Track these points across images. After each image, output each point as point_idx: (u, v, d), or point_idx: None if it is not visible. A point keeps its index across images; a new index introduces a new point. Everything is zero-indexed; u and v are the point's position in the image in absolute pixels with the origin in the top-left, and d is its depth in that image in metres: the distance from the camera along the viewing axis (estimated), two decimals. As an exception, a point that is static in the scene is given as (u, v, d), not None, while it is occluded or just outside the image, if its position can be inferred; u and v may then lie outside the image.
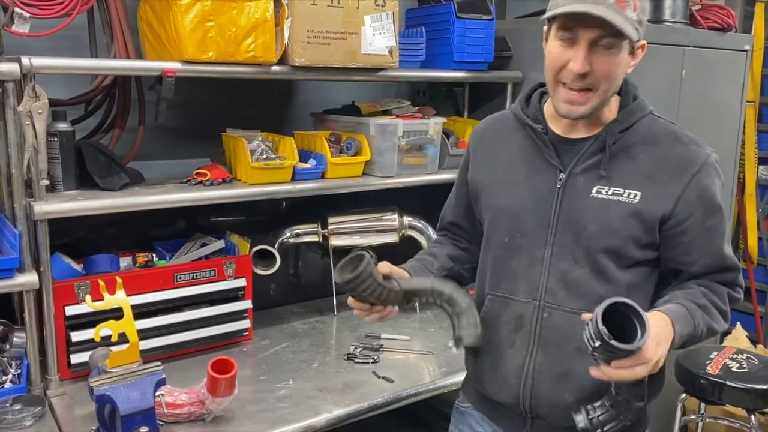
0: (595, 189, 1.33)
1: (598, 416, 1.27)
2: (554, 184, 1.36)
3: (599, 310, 1.11)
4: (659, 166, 1.32)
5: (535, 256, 1.38)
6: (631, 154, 1.33)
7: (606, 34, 1.23)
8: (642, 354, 1.14)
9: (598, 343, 1.11)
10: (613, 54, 1.25)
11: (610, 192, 1.32)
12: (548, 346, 1.37)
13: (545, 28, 1.34)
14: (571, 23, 1.24)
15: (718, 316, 1.34)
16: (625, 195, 1.31)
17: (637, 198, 1.30)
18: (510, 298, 1.41)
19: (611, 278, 1.34)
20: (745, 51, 2.99)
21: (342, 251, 2.55)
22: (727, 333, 3.51)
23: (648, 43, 2.60)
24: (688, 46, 2.73)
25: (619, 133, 1.34)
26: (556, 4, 1.26)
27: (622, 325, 1.13)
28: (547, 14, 1.27)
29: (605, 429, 1.27)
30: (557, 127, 1.40)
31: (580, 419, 1.29)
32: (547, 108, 1.42)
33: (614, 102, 1.37)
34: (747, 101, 3.17)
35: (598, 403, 1.29)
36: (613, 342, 1.09)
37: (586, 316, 1.17)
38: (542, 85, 1.44)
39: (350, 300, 1.39)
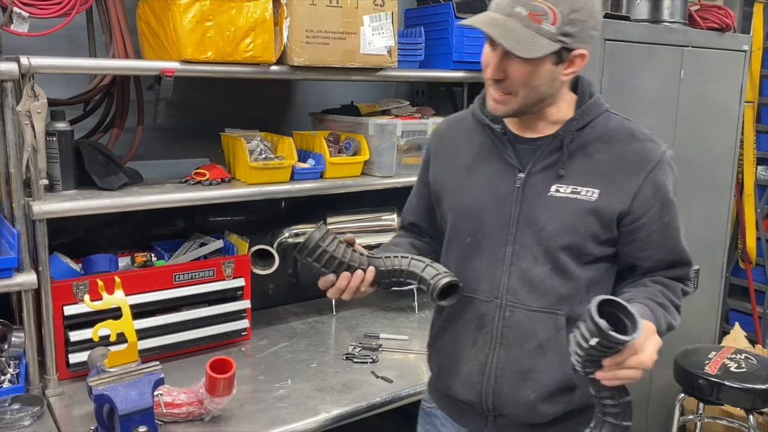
0: (553, 188, 1.34)
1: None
2: (513, 183, 1.37)
3: (592, 306, 1.10)
4: (616, 164, 1.33)
5: (497, 256, 1.39)
6: (589, 152, 1.34)
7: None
8: (638, 346, 1.13)
9: (594, 341, 1.10)
10: (527, 64, 1.24)
11: (568, 190, 1.33)
12: (510, 344, 1.38)
13: None
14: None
15: (675, 313, 1.37)
16: (584, 193, 1.32)
17: (595, 195, 1.32)
18: (473, 297, 1.42)
19: (571, 276, 1.35)
20: (744, 51, 3.00)
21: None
22: (725, 333, 3.51)
23: (647, 43, 2.63)
24: (687, 47, 2.73)
25: (576, 131, 1.35)
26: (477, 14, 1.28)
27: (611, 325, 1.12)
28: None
29: None
30: (515, 127, 1.40)
31: None
32: None
33: (571, 100, 1.38)
34: (745, 102, 3.18)
35: (592, 424, 1.28)
36: (613, 333, 1.07)
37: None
38: None
39: (320, 281, 1.38)
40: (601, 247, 1.35)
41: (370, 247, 2.51)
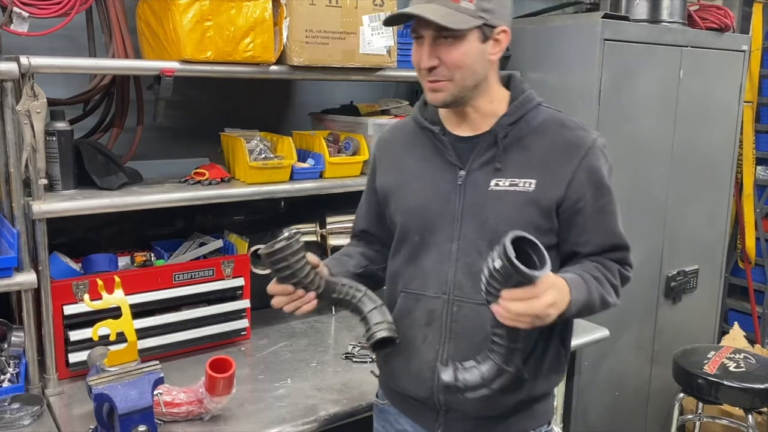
0: (493, 182, 1.38)
1: (465, 377, 1.29)
2: (455, 181, 1.41)
3: (508, 236, 1.14)
4: (550, 153, 1.37)
5: (444, 252, 1.42)
6: (523, 144, 1.39)
7: (440, 30, 1.28)
8: (539, 286, 1.17)
9: (499, 263, 1.13)
10: (456, 46, 1.30)
11: (507, 183, 1.37)
12: (459, 338, 1.40)
13: None
14: (415, 25, 1.32)
15: (611, 289, 1.40)
16: (522, 184, 1.36)
17: (533, 186, 1.36)
18: (421, 294, 1.44)
19: None
20: (743, 51, 3.00)
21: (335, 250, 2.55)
22: (724, 332, 3.52)
23: (646, 43, 2.63)
24: (686, 47, 2.73)
25: (510, 125, 1.39)
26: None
27: (523, 262, 1.16)
28: (384, 19, 1.36)
29: (470, 389, 1.28)
30: (453, 128, 1.45)
31: (448, 375, 1.30)
32: (442, 110, 1.47)
33: (504, 97, 1.42)
34: (744, 102, 3.18)
35: (469, 363, 1.31)
36: (517, 263, 1.11)
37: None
38: None
39: (271, 285, 1.38)
40: (544, 236, 1.35)
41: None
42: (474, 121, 1.42)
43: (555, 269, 1.41)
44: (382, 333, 1.41)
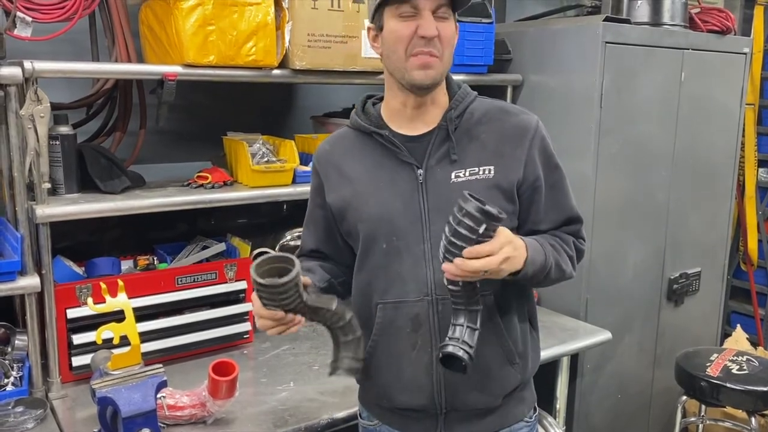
0: (453, 174, 1.39)
1: (465, 340, 1.27)
2: (415, 180, 1.40)
3: (465, 192, 1.18)
4: (501, 140, 1.40)
5: (416, 254, 1.40)
6: (473, 135, 1.41)
7: (443, 3, 1.32)
8: (497, 241, 1.20)
9: (464, 212, 1.16)
10: (449, 22, 1.34)
11: (467, 173, 1.39)
12: None
13: (370, 24, 1.40)
14: None
15: (566, 258, 1.43)
16: (482, 172, 1.39)
17: (492, 172, 1.38)
18: (401, 302, 1.41)
19: None
20: (745, 54, 3.01)
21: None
22: (727, 335, 3.51)
23: (647, 45, 2.63)
24: (688, 49, 2.74)
25: (457, 118, 1.41)
26: None
27: None
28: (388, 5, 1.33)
29: (473, 346, 1.28)
30: (400, 129, 1.43)
31: (457, 350, 1.27)
32: (385, 113, 1.46)
33: (446, 92, 1.45)
34: (746, 104, 3.18)
35: (453, 333, 1.29)
36: (488, 208, 1.16)
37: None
38: (370, 96, 1.51)
39: (259, 309, 1.30)
40: (508, 220, 1.37)
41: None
42: (424, 117, 1.42)
43: None
44: (344, 371, 1.40)
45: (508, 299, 1.43)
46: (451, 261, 1.20)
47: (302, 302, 1.28)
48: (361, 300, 1.49)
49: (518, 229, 1.43)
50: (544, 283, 1.42)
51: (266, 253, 2.26)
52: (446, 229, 1.21)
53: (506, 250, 1.22)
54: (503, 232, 1.23)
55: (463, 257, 1.19)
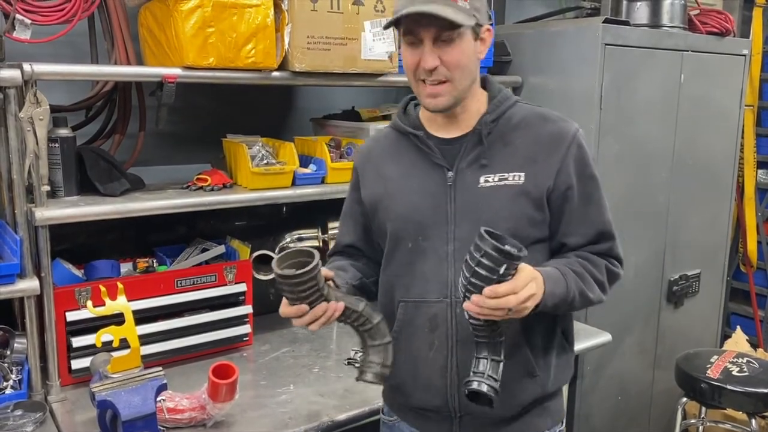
0: (482, 179, 1.39)
1: (490, 374, 1.27)
2: (445, 183, 1.41)
3: (481, 231, 1.16)
4: (535, 147, 1.39)
5: (441, 255, 1.41)
6: (508, 140, 1.40)
7: (443, 29, 1.29)
8: (519, 280, 1.19)
9: (482, 252, 1.15)
10: (456, 45, 1.31)
11: (496, 179, 1.38)
12: (466, 341, 1.37)
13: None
14: (411, 26, 1.32)
15: (594, 285, 1.39)
16: (511, 178, 1.37)
17: (522, 178, 1.37)
18: (422, 301, 1.43)
19: None
20: (744, 55, 3.01)
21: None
22: (727, 336, 3.51)
23: (647, 47, 2.64)
24: (687, 51, 2.74)
25: (492, 123, 1.40)
26: (395, 11, 1.33)
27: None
28: (385, 24, 1.36)
29: (498, 379, 1.27)
30: (436, 131, 1.45)
31: (482, 386, 1.26)
32: (423, 115, 1.48)
33: (483, 97, 1.44)
34: (746, 105, 3.19)
35: (477, 367, 1.28)
36: (507, 248, 1.14)
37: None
38: (413, 98, 1.51)
39: (282, 305, 1.33)
40: (537, 229, 1.39)
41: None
42: (458, 122, 1.42)
43: (543, 262, 1.41)
44: (370, 378, 1.37)
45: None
46: (469, 295, 1.20)
47: (322, 296, 1.28)
48: (385, 297, 1.52)
49: (548, 240, 1.42)
50: (568, 311, 1.41)
51: (266, 255, 2.27)
52: (465, 267, 1.20)
53: (530, 288, 1.21)
54: (525, 270, 1.21)
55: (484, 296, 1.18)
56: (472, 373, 1.28)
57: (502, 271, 1.16)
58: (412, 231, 1.44)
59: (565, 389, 1.60)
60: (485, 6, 1.37)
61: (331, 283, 1.38)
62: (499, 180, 1.38)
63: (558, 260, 1.40)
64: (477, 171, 1.39)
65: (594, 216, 1.42)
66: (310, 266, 1.22)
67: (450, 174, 1.41)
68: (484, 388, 1.25)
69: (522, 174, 1.37)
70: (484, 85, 1.47)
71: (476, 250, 1.17)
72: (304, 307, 1.29)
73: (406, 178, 1.47)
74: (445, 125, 1.44)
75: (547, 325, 1.43)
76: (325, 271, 1.35)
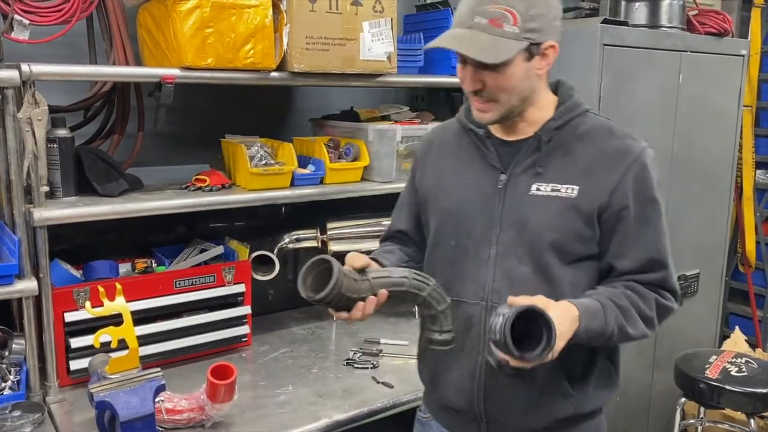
0: (534, 187, 1.36)
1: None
2: (496, 185, 1.40)
3: (512, 312, 1.15)
4: (595, 160, 1.35)
5: (482, 257, 1.40)
6: (568, 150, 1.36)
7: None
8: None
9: (498, 336, 1.15)
10: (501, 71, 1.28)
11: (549, 189, 1.35)
12: None
13: None
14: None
15: (637, 321, 1.34)
16: (564, 190, 1.34)
17: (575, 192, 1.33)
18: (459, 301, 1.42)
19: (553, 276, 1.35)
20: (742, 56, 3.01)
21: (341, 256, 2.55)
22: (725, 337, 3.51)
23: (645, 48, 2.63)
24: (685, 51, 2.74)
25: (555, 130, 1.37)
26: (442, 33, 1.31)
27: (531, 323, 1.17)
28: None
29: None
30: (498, 131, 1.43)
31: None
32: None
33: (551, 102, 1.40)
34: (744, 105, 3.19)
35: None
36: (512, 349, 1.14)
37: (513, 300, 1.20)
38: None
39: (333, 312, 1.33)
40: (585, 245, 1.35)
41: (368, 253, 2.54)
42: (520, 126, 1.40)
43: (592, 281, 1.38)
44: (436, 345, 1.37)
45: None
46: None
47: (355, 299, 1.28)
48: None
49: (598, 258, 1.38)
50: (605, 345, 1.37)
51: (265, 255, 2.27)
52: (492, 322, 1.18)
53: (558, 346, 1.19)
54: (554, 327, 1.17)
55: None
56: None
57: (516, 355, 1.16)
58: (457, 229, 1.43)
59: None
60: (550, 21, 1.30)
61: (374, 264, 1.37)
62: (552, 190, 1.35)
63: (605, 289, 1.36)
64: (531, 178, 1.37)
65: (648, 241, 1.36)
66: (329, 289, 1.21)
67: (503, 177, 1.39)
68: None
69: (576, 187, 1.33)
70: (557, 88, 1.43)
71: (497, 341, 1.16)
72: (344, 314, 1.31)
73: (460, 174, 1.45)
74: (506, 127, 1.41)
75: (589, 348, 1.38)
76: (360, 261, 1.32)
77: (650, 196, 1.35)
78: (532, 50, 1.29)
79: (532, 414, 1.39)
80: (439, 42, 1.30)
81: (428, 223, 1.52)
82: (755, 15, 3.88)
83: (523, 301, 1.20)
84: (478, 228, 1.40)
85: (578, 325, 1.26)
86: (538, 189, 1.36)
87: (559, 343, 1.20)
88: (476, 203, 1.41)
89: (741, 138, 3.32)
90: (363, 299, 1.29)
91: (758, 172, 4.01)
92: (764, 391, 2.46)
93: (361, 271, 1.31)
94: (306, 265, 1.27)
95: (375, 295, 1.29)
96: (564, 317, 1.23)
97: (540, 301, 1.22)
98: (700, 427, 2.85)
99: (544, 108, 1.39)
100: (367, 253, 2.49)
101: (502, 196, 1.38)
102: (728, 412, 2.88)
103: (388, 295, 1.31)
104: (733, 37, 2.99)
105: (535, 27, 1.27)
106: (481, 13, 1.25)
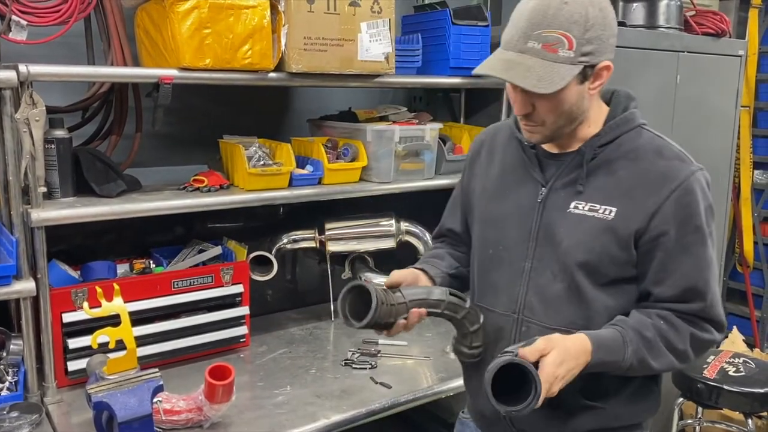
0: (572, 204, 1.33)
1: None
2: (535, 198, 1.37)
3: (494, 366, 1.18)
4: (638, 182, 1.29)
5: (516, 269, 1.38)
6: (612, 169, 1.32)
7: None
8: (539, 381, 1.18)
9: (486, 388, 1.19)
10: (553, 96, 1.23)
11: (586, 207, 1.31)
12: None
13: None
14: None
15: (664, 354, 1.29)
16: (601, 211, 1.30)
17: (612, 214, 1.29)
18: (490, 311, 1.42)
19: (587, 298, 1.32)
20: (739, 56, 3.01)
21: (340, 257, 2.55)
22: (723, 337, 3.52)
23: (643, 48, 2.63)
24: (683, 52, 2.74)
25: (600, 147, 1.33)
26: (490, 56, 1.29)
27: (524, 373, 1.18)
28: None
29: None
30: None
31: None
32: None
33: (600, 116, 1.35)
34: (741, 106, 3.19)
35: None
36: (493, 402, 1.18)
37: (524, 351, 1.21)
38: None
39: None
40: (620, 268, 1.30)
41: (369, 253, 2.54)
42: (567, 141, 1.36)
43: (629, 304, 1.34)
44: (463, 357, 1.43)
45: None
46: None
47: (394, 322, 1.32)
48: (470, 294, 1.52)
49: (637, 281, 1.33)
50: (624, 375, 1.32)
51: (263, 256, 2.27)
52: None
53: (552, 391, 1.19)
54: (545, 369, 1.18)
55: None
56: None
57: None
58: (495, 238, 1.42)
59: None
60: (604, 42, 1.23)
61: (422, 276, 1.45)
62: (589, 210, 1.30)
63: (635, 317, 1.31)
64: (570, 195, 1.33)
65: (688, 270, 1.28)
66: (367, 320, 1.25)
67: (542, 190, 1.36)
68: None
69: (614, 209, 1.28)
70: (611, 99, 1.38)
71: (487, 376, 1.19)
72: (382, 332, 1.35)
73: (503, 183, 1.44)
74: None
75: None
76: (396, 278, 1.40)
77: (694, 224, 1.28)
78: (586, 72, 1.24)
79: (554, 426, 1.37)
80: (489, 69, 1.26)
81: (472, 227, 1.52)
82: (752, 15, 3.89)
83: (527, 351, 1.20)
84: (515, 240, 1.38)
85: (589, 359, 1.23)
86: (576, 207, 1.32)
87: (554, 388, 1.19)
88: (514, 215, 1.39)
89: (739, 138, 3.33)
90: (397, 320, 1.32)
91: (756, 172, 4.02)
92: (762, 391, 2.47)
93: (398, 291, 1.34)
94: (344, 290, 1.31)
95: (406, 309, 1.33)
96: (564, 359, 1.20)
97: (546, 342, 1.21)
98: (698, 427, 2.85)
99: (592, 124, 1.34)
100: (368, 253, 2.49)
101: (540, 210, 1.36)
102: (726, 412, 2.88)
103: (425, 313, 1.34)
104: (730, 37, 3.00)
105: (591, 50, 1.22)
106: (535, 37, 1.20)
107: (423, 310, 1.33)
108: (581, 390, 1.34)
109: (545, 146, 1.39)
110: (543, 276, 1.35)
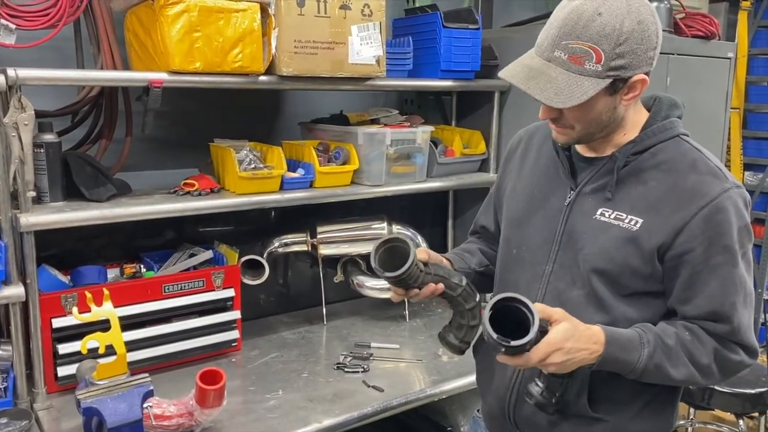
0: (599, 211, 1.30)
1: (546, 387, 1.28)
2: (563, 201, 1.35)
3: (489, 303, 1.17)
4: (667, 195, 1.24)
5: (536, 272, 1.37)
6: (643, 178, 1.28)
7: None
8: (532, 353, 1.17)
9: (485, 333, 1.17)
10: (576, 106, 1.19)
11: (612, 216, 1.28)
12: None
13: None
14: None
15: (684, 364, 1.24)
16: (626, 221, 1.26)
17: (638, 225, 1.25)
18: None
19: (606, 306, 1.29)
20: (729, 58, 3.03)
21: (332, 260, 2.55)
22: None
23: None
24: (673, 54, 2.76)
25: (634, 155, 1.29)
26: (513, 62, 1.27)
27: (520, 316, 1.17)
28: (501, 74, 1.28)
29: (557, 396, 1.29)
30: (580, 146, 1.36)
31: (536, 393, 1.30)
32: None
33: (638, 123, 1.31)
34: (731, 108, 3.21)
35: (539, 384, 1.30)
36: (496, 339, 1.15)
37: (537, 306, 1.19)
38: None
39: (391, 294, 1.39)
40: (643, 281, 1.27)
41: (361, 256, 2.54)
42: (600, 145, 1.32)
43: (655, 317, 1.30)
44: (450, 349, 1.43)
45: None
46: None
47: (422, 281, 1.33)
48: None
49: (664, 297, 1.29)
50: (640, 380, 1.27)
51: (255, 260, 2.26)
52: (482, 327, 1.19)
53: (551, 357, 1.17)
54: (551, 334, 1.16)
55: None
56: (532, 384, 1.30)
57: (504, 350, 1.17)
58: (519, 238, 1.42)
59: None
60: (641, 53, 1.20)
61: (445, 261, 1.44)
62: (615, 219, 1.27)
63: (661, 325, 1.27)
64: (598, 201, 1.30)
65: (713, 291, 1.22)
66: (402, 271, 1.27)
67: (571, 194, 1.34)
68: (532, 401, 1.29)
69: (640, 221, 1.24)
70: (653, 104, 1.34)
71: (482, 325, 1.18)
72: (401, 291, 1.35)
73: (534, 183, 1.42)
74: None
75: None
76: (432, 256, 1.39)
77: (724, 244, 1.21)
78: (616, 85, 1.20)
79: (559, 428, 1.36)
80: (511, 76, 1.23)
81: (500, 224, 1.52)
82: (742, 18, 3.92)
83: (539, 306, 1.19)
84: (538, 243, 1.37)
85: (601, 350, 1.20)
86: (602, 214, 1.29)
87: (553, 358, 1.17)
88: (540, 216, 1.38)
89: (729, 140, 3.35)
90: (419, 287, 1.33)
91: (746, 173, 4.05)
92: (753, 391, 2.48)
93: (426, 264, 1.35)
94: (381, 241, 1.33)
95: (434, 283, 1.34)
96: (573, 335, 1.18)
97: (562, 313, 1.20)
98: (690, 428, 2.86)
99: (629, 130, 1.30)
100: (360, 257, 2.48)
101: (566, 214, 1.34)
102: (718, 412, 2.89)
103: (442, 290, 1.36)
104: (720, 40, 3.01)
105: (622, 64, 1.18)
106: (562, 47, 1.17)
107: (441, 287, 1.35)
108: (589, 398, 1.32)
109: (579, 149, 1.36)
110: (562, 281, 1.34)
